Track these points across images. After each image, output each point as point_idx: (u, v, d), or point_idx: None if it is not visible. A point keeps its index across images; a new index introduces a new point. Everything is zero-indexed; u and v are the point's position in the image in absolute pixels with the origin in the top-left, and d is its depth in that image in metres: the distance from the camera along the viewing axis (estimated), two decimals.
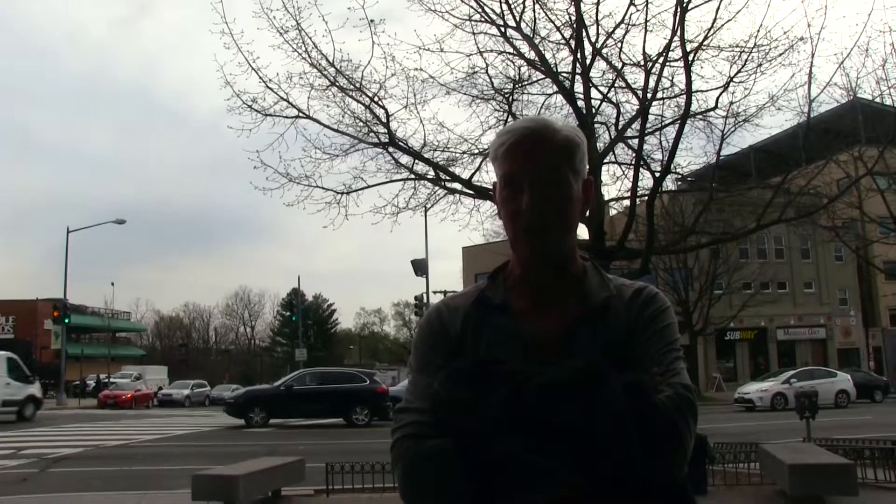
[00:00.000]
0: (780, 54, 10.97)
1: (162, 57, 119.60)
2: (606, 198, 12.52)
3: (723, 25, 10.76)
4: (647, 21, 10.95)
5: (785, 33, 10.90)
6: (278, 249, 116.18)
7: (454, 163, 12.11)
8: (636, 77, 11.88)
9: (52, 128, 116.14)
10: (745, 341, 45.22)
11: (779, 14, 23.11)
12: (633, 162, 11.85)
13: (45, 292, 54.72)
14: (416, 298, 36.08)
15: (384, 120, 11.16)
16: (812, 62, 10.92)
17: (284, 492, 7.87)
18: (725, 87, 11.17)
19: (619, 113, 12.30)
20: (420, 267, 32.87)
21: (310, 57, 10.74)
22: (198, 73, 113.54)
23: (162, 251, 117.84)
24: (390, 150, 11.44)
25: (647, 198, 11.53)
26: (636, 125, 11.75)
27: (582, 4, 10.93)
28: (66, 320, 37.88)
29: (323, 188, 11.39)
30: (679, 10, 10.39)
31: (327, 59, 10.74)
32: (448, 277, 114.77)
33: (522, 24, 11.12)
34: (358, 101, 11.13)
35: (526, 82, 12.19)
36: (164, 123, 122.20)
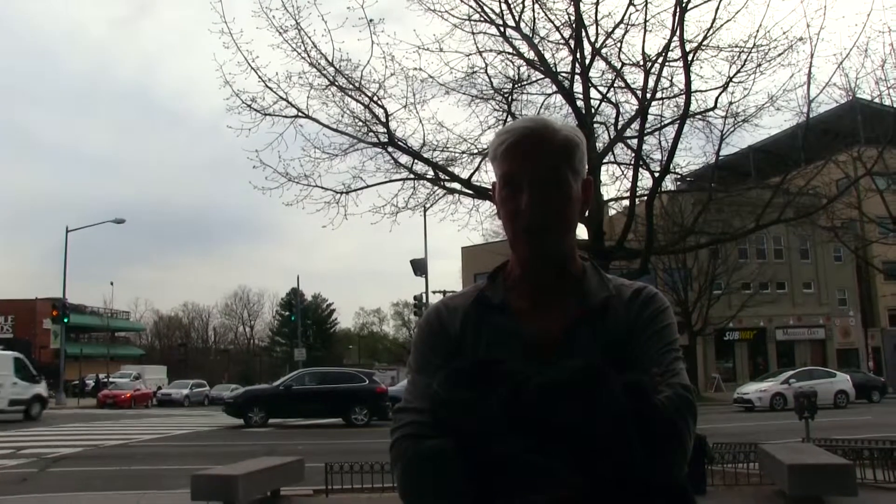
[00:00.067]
0: (780, 54, 10.98)
1: (162, 57, 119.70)
2: (606, 198, 12.53)
3: (722, 25, 10.78)
4: (646, 21, 10.96)
5: (784, 33, 10.91)
6: (277, 249, 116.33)
7: (453, 162, 12.11)
8: (635, 77, 11.90)
9: (52, 128, 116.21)
10: (744, 341, 45.24)
11: (778, 14, 23.10)
12: (633, 162, 11.86)
13: (44, 292, 54.72)
14: (415, 298, 36.08)
15: (383, 119, 11.16)
16: (811, 62, 10.94)
17: (283, 492, 7.87)
18: (725, 87, 11.18)
19: (618, 113, 12.32)
20: (419, 267, 32.85)
21: (309, 56, 10.75)
22: (197, 73, 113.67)
23: (161, 251, 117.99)
24: (389, 149, 11.44)
25: (646, 198, 11.53)
26: (635, 125, 11.76)
27: (581, 4, 10.93)
28: (66, 320, 37.86)
29: (322, 188, 11.40)
30: (678, 10, 10.39)
31: (326, 59, 10.75)
32: (447, 277, 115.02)
33: (522, 24, 11.13)
34: (357, 101, 11.14)
35: (525, 82, 12.20)
36: (164, 123, 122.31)
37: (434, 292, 34.17)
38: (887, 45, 15.18)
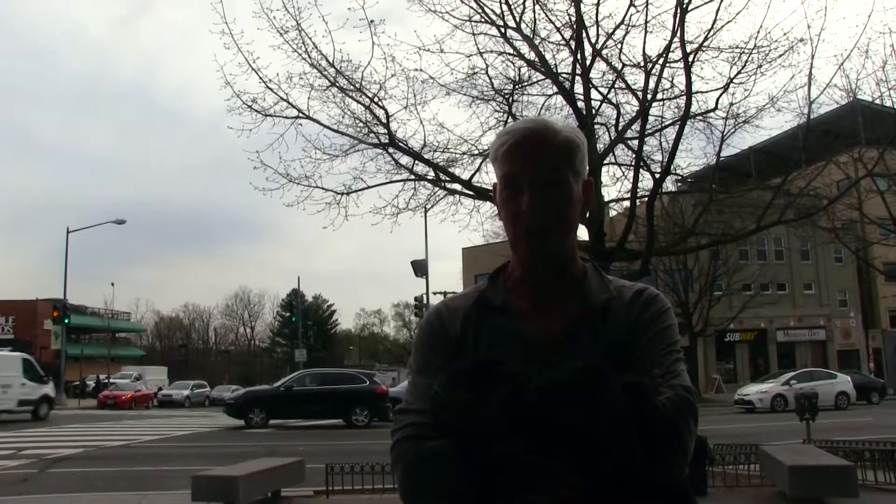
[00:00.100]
0: (780, 56, 10.97)
1: (162, 56, 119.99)
2: (606, 199, 12.51)
3: (723, 27, 10.77)
4: (647, 22, 10.95)
5: (785, 35, 10.90)
6: (278, 250, 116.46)
7: (454, 163, 12.11)
8: (636, 78, 11.89)
9: (52, 128, 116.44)
10: (744, 343, 45.24)
11: (779, 15, 23.19)
12: (633, 163, 11.85)
13: (44, 292, 54.80)
14: (415, 299, 36.10)
15: (384, 120, 11.16)
16: (812, 63, 10.92)
17: (284, 493, 7.88)
18: (725, 88, 11.17)
19: (619, 114, 12.31)
20: (420, 268, 32.86)
21: (310, 57, 10.74)
22: (197, 73, 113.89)
23: (162, 251, 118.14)
24: (390, 150, 11.43)
25: (647, 199, 11.52)
26: (636, 126, 11.75)
27: (582, 5, 10.93)
28: (66, 320, 37.90)
29: (323, 189, 11.38)
30: (679, 11, 10.39)
31: (327, 60, 10.74)
32: (448, 278, 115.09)
33: (522, 25, 11.12)
34: (358, 102, 11.13)
35: (526, 83, 12.19)
36: (164, 123, 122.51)
37: (435, 293, 34.25)
38: (888, 46, 15.16)
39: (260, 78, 10.72)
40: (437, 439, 1.23)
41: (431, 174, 11.87)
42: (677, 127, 11.14)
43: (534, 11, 11.15)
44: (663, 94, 11.67)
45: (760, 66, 11.00)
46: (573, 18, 11.06)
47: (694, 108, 11.22)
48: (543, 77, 11.83)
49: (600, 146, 11.95)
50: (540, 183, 1.36)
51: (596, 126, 12.10)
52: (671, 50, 10.83)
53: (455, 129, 13.47)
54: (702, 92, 11.48)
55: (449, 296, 1.64)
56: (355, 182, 11.52)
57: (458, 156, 12.07)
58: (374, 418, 21.14)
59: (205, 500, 6.46)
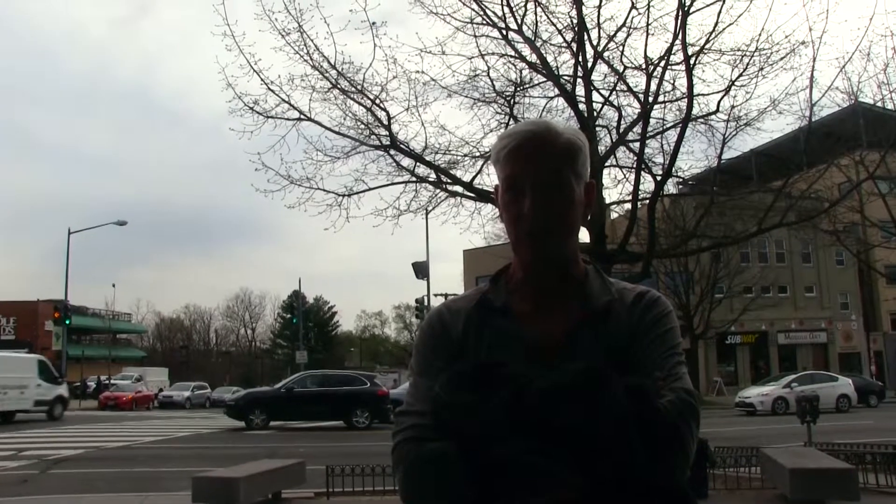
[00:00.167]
0: (782, 58, 10.97)
1: (162, 57, 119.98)
2: (608, 201, 12.53)
3: (724, 29, 10.78)
4: (648, 24, 10.97)
5: (786, 37, 10.90)
6: (279, 251, 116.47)
7: (455, 165, 12.12)
8: (638, 80, 11.90)
9: (52, 128, 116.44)
10: (745, 345, 45.19)
11: (780, 18, 23.17)
12: (635, 165, 11.85)
13: (45, 293, 54.93)
14: (416, 301, 36.11)
15: (385, 122, 11.17)
16: (813, 66, 10.93)
17: (285, 494, 7.88)
18: (727, 90, 11.17)
19: (620, 116, 12.32)
20: (421, 269, 32.85)
21: (311, 59, 10.76)
22: (198, 74, 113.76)
23: (162, 252, 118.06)
24: (392, 152, 11.45)
25: (648, 201, 11.53)
26: (637, 129, 11.76)
27: (583, 8, 10.95)
28: (67, 321, 37.89)
29: (324, 190, 11.40)
30: (681, 13, 10.39)
31: (329, 62, 10.76)
32: (449, 280, 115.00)
33: (524, 27, 11.14)
34: (359, 104, 11.15)
35: (527, 85, 12.21)
36: (164, 123, 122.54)
37: (436, 295, 34.24)
38: (890, 48, 15.21)
39: (262, 80, 10.76)
40: (439, 441, 1.23)
41: (433, 176, 11.89)
42: (679, 129, 11.16)
43: (535, 14, 11.19)
44: (665, 96, 11.70)
45: (762, 69, 11.02)
46: (575, 21, 11.08)
47: (695, 111, 11.24)
48: (545, 79, 11.85)
49: (602, 148, 11.96)
50: (542, 185, 1.35)
51: (597, 128, 12.12)
52: (673, 52, 10.85)
53: (456, 132, 13.49)
54: (703, 94, 11.50)
55: (450, 298, 1.64)
56: (357, 184, 11.55)
57: (459, 158, 12.10)
58: (374, 420, 21.13)
59: (205, 501, 6.47)
